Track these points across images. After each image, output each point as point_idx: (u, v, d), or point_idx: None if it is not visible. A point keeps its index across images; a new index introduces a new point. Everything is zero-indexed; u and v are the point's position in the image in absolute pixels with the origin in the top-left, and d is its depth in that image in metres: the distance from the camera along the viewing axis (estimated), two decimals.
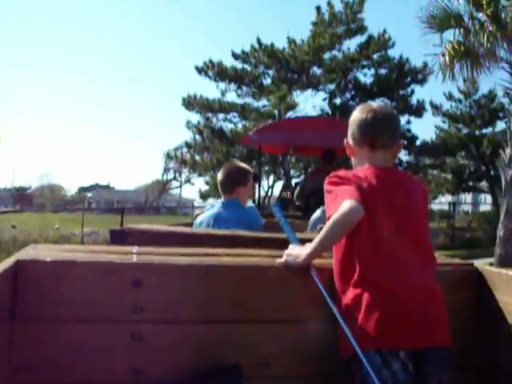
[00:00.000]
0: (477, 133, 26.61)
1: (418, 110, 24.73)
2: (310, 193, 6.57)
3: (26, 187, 71.71)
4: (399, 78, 24.56)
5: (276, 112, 23.66)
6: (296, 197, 7.09)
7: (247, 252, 2.29)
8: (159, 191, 58.68)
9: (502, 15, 10.24)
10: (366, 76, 25.53)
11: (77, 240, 15.97)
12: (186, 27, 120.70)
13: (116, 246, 2.30)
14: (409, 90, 25.07)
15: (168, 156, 49.11)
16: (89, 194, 73.28)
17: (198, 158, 27.38)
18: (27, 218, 23.18)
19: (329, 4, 24.09)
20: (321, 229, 3.36)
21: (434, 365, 1.91)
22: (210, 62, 24.70)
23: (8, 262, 1.80)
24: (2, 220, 20.47)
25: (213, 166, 25.34)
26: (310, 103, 37.15)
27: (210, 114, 25.75)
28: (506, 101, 11.14)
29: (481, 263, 2.42)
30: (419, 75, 24.49)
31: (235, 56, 25.10)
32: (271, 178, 27.80)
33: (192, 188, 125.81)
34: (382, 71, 25.15)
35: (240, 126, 25.07)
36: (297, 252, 2.05)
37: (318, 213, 4.01)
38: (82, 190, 74.91)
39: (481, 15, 10.53)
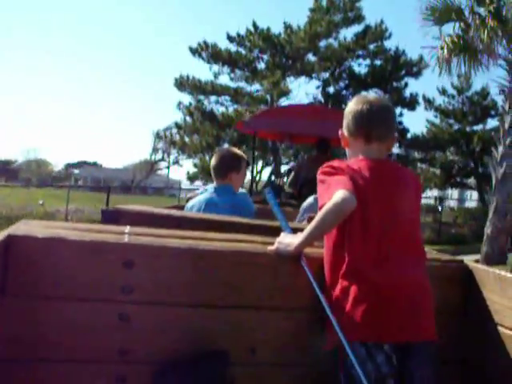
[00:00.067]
0: (468, 129, 26.68)
1: (410, 103, 24.71)
2: (303, 181, 6.57)
3: (12, 161, 70.92)
4: (394, 70, 24.51)
5: (268, 97, 23.51)
6: (289, 184, 7.08)
7: (239, 237, 2.27)
8: (147, 171, 58.40)
9: (503, 12, 10.15)
10: (360, 66, 25.57)
11: (61, 217, 15.76)
12: (181, 8, 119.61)
13: (108, 226, 2.27)
14: (403, 82, 25.08)
15: (157, 136, 48.84)
16: (76, 171, 72.78)
17: (187, 139, 27.14)
18: (11, 191, 22.88)
19: None
20: (310, 218, 3.41)
21: (418, 359, 1.91)
22: (205, 43, 24.47)
23: None
24: None
25: (202, 148, 25.19)
26: (302, 90, 37.30)
27: (201, 96, 25.55)
28: (500, 98, 11.05)
29: (466, 260, 2.43)
30: (414, 68, 24.45)
31: (230, 39, 24.88)
32: (260, 163, 27.70)
33: (180, 169, 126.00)
34: (377, 62, 25.12)
35: (231, 109, 24.92)
36: (288, 240, 2.04)
37: (309, 200, 4.00)
38: (69, 166, 74.33)
39: (482, 10, 10.41)
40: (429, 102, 27.08)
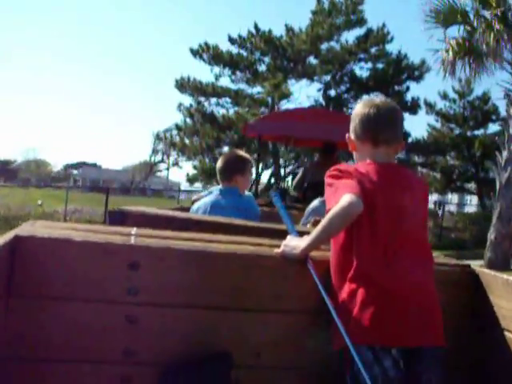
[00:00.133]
0: (469, 134, 26.58)
1: (412, 107, 24.57)
2: (308, 184, 6.57)
3: (11, 161, 70.74)
4: (396, 74, 24.36)
5: (269, 100, 23.37)
6: (294, 187, 7.11)
7: (246, 240, 2.27)
8: (146, 172, 58.29)
9: (509, 15, 10.06)
10: (362, 69, 25.36)
11: (59, 217, 15.66)
12: (183, 9, 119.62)
13: (115, 227, 2.26)
14: (404, 86, 24.94)
15: (157, 137, 48.70)
16: (75, 172, 72.66)
17: (187, 141, 26.99)
18: (10, 192, 22.74)
19: None
20: (315, 221, 3.36)
21: (426, 363, 1.91)
22: (206, 44, 24.29)
23: (6, 238, 1.78)
24: None
25: (202, 150, 25.01)
26: (304, 93, 37.05)
27: (202, 98, 25.38)
28: (503, 103, 10.97)
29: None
30: (416, 72, 24.33)
31: (231, 40, 24.71)
32: (260, 166, 27.50)
33: (179, 171, 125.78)
34: (379, 65, 24.96)
35: (232, 111, 24.79)
36: (294, 243, 2.05)
37: (315, 202, 4.00)
38: (69, 166, 74.20)
39: (487, 13, 10.31)
40: (430, 107, 26.97)
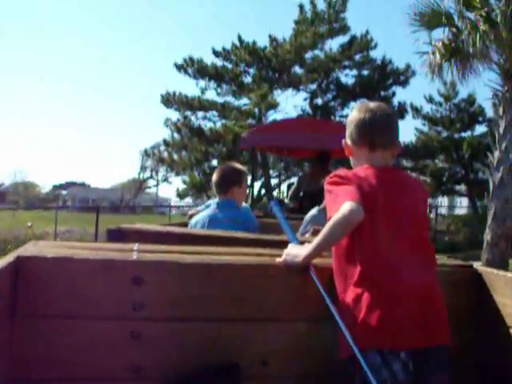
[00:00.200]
0: (456, 136, 26.69)
1: (399, 112, 24.59)
2: (304, 194, 6.61)
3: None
4: (381, 80, 24.47)
5: (256, 111, 23.33)
6: (290, 198, 7.09)
7: (247, 251, 2.29)
8: (135, 190, 58.11)
9: (494, 15, 10.07)
10: (347, 77, 25.44)
11: (50, 239, 15.43)
12: (166, 23, 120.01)
13: (116, 244, 2.29)
14: (390, 91, 25.04)
15: (145, 154, 48.56)
16: (64, 192, 72.28)
17: (175, 156, 26.86)
18: None
19: (312, 2, 23.88)
20: (314, 230, 3.33)
21: (434, 365, 1.91)
22: (190, 59, 24.26)
23: (8, 259, 1.80)
24: None
25: (191, 164, 24.91)
26: (290, 103, 37.23)
27: (188, 112, 25.30)
28: (491, 103, 10.97)
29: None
30: (401, 77, 24.43)
31: (216, 53, 24.69)
32: (250, 177, 27.42)
33: (169, 187, 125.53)
34: (364, 72, 25.07)
35: (219, 124, 24.73)
36: (296, 251, 2.06)
37: (313, 211, 4.06)
38: (57, 187, 73.80)
39: (471, 15, 10.33)
40: (416, 111, 27.07)
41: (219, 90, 25.21)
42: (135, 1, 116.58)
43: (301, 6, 24.12)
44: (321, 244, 1.95)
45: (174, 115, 26.03)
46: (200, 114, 25.28)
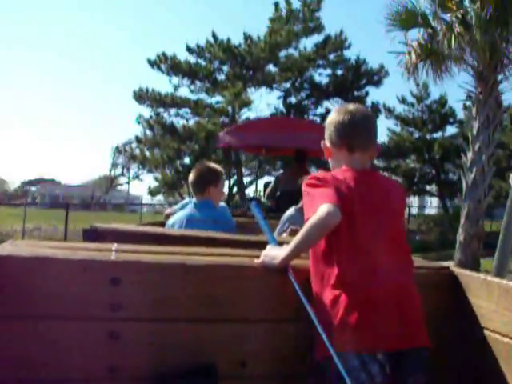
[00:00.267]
0: (428, 137, 26.97)
1: (372, 112, 24.73)
2: (280, 194, 6.64)
3: None
4: (355, 79, 24.57)
5: (230, 109, 23.20)
6: (267, 197, 7.12)
7: (225, 252, 2.30)
8: (106, 187, 57.44)
9: (469, 18, 10.14)
10: (321, 76, 25.48)
11: (18, 237, 15.08)
12: (139, 18, 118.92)
13: (95, 244, 2.28)
14: (364, 91, 25.17)
15: (117, 150, 48.02)
16: (33, 188, 71.10)
17: (148, 153, 26.57)
18: None
19: (287, 1, 23.81)
20: (293, 230, 3.44)
21: (411, 366, 1.93)
22: (164, 55, 24.01)
23: None
24: None
25: (163, 162, 24.66)
26: (264, 101, 37.12)
27: (161, 109, 25.06)
28: (462, 105, 11.13)
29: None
30: (375, 77, 24.56)
31: (190, 50, 24.48)
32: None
33: (141, 184, 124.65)
34: (338, 72, 25.12)
35: (192, 122, 24.54)
36: (274, 253, 2.06)
37: (291, 210, 4.17)
38: (26, 183, 72.52)
39: (447, 16, 10.38)
40: (389, 111, 27.31)
41: (192, 87, 25.06)
42: None
43: (276, 4, 24.08)
44: (298, 246, 1.96)
45: (147, 112, 25.82)
46: (173, 111, 25.13)
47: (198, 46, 24.35)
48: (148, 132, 25.89)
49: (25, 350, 1.83)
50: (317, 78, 25.36)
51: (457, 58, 10.21)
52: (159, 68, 24.26)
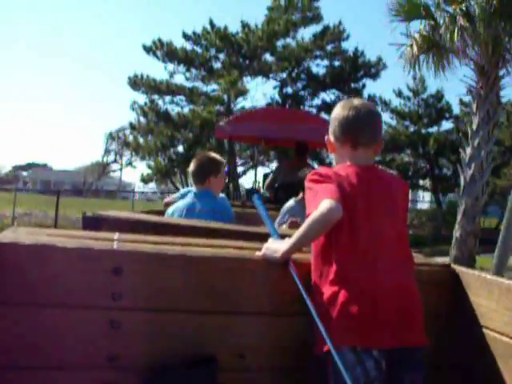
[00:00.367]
0: (423, 131, 26.91)
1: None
2: (279, 185, 6.64)
3: None
4: (352, 71, 24.43)
5: (225, 97, 22.98)
6: (266, 188, 7.14)
7: (227, 243, 2.30)
8: (99, 173, 57.13)
9: (472, 11, 9.99)
10: (318, 67, 25.34)
11: (7, 222, 14.88)
12: (136, 3, 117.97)
13: (97, 233, 2.27)
14: (361, 83, 25.06)
15: (110, 137, 47.70)
16: (24, 173, 70.66)
17: (141, 140, 26.31)
18: None
19: None
20: (291, 222, 3.58)
21: (407, 364, 1.94)
22: (159, 41, 23.76)
23: None
24: None
25: (157, 149, 24.42)
26: (260, 90, 36.88)
27: (156, 96, 24.79)
28: (458, 100, 11.03)
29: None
30: (372, 69, 24.41)
31: (186, 37, 24.24)
32: None
33: (133, 171, 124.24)
34: (336, 63, 24.96)
35: (187, 109, 24.30)
36: (276, 246, 2.07)
37: (291, 202, 4.17)
38: (17, 168, 72.03)
39: (450, 8, 10.23)
40: (385, 104, 27.20)
41: (188, 75, 24.82)
42: None
43: None
44: (300, 240, 1.97)
45: (141, 98, 25.53)
46: (167, 98, 24.91)
47: (194, 33, 24.12)
48: (142, 119, 25.64)
49: (25, 337, 1.84)
50: (314, 69, 25.27)
51: (459, 51, 10.05)
52: (155, 54, 24.01)
